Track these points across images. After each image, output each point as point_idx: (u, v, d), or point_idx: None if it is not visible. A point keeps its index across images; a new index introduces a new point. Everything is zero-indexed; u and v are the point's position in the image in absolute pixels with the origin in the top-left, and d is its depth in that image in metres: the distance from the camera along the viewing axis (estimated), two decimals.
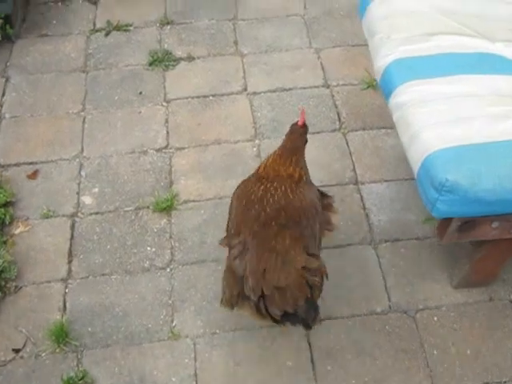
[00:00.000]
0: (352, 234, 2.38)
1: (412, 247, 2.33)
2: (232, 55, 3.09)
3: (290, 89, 2.91)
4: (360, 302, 2.22)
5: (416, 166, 1.69)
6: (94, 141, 2.76)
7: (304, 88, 2.88)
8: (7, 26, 3.08)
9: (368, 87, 2.90)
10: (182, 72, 3.02)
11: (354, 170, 2.59)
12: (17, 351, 2.15)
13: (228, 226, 1.99)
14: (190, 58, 3.08)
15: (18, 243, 2.42)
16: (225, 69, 3.02)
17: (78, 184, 2.61)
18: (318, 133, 2.71)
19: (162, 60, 3.06)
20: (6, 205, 2.50)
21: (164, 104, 2.89)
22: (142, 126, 2.80)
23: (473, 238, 1.86)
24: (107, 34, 3.21)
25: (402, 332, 2.15)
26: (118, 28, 3.23)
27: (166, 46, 3.15)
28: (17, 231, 2.47)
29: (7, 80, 2.99)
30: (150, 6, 3.35)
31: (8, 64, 3.07)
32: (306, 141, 2.01)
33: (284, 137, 2.02)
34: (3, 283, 2.29)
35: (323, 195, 2.08)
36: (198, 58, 3.08)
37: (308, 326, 1.86)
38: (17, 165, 2.66)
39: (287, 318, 1.79)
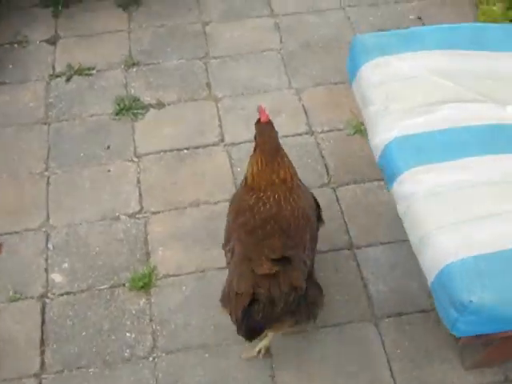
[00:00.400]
0: (350, 309, 2.19)
1: (417, 322, 2.15)
2: (205, 100, 2.85)
3: None
4: None
5: (430, 276, 1.49)
6: (60, 206, 2.51)
7: (286, 136, 2.64)
8: None
9: (355, 132, 2.69)
10: (152, 121, 2.78)
11: (347, 231, 2.39)
12: None
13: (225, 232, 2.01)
14: (160, 105, 2.83)
15: None
16: (198, 116, 2.79)
17: (46, 259, 2.37)
18: None
19: (129, 108, 2.81)
20: None
21: (134, 159, 2.65)
22: (112, 187, 2.56)
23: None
24: (68, 80, 2.94)
25: None
26: (79, 72, 2.96)
27: (132, 91, 2.89)
28: None
29: None
30: (112, 44, 3.09)
31: None
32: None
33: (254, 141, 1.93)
34: None
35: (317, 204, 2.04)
36: (169, 104, 2.84)
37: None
38: None
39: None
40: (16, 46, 3.09)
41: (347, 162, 2.61)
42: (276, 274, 1.69)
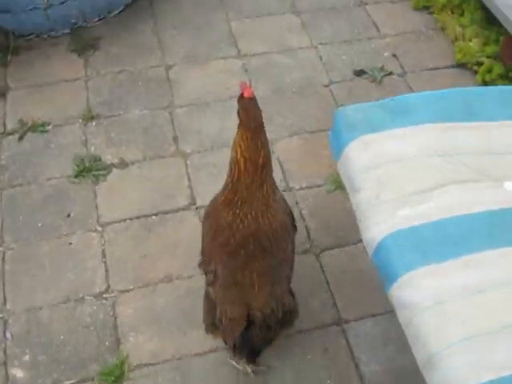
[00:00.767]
0: None
1: None
2: (173, 156, 2.64)
3: None
4: None
5: None
6: (18, 287, 2.27)
7: None
8: None
9: (336, 188, 2.51)
10: (116, 184, 2.55)
11: (334, 304, 2.21)
12: None
13: (202, 249, 1.98)
14: (123, 164, 2.61)
15: None
16: (166, 176, 2.57)
17: (5, 350, 2.12)
18: None
19: (89, 169, 2.58)
20: None
21: (98, 229, 2.42)
22: (74, 263, 2.32)
23: None
24: (21, 138, 2.69)
25: None
26: (33, 129, 2.72)
27: (92, 148, 2.66)
28: None
29: None
30: (68, 95, 2.86)
31: None
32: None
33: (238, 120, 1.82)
34: None
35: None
36: (133, 163, 2.62)
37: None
38: None
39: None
40: None
41: (329, 223, 2.44)
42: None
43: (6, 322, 2.19)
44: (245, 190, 1.76)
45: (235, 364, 2.05)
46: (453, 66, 3.02)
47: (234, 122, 2.74)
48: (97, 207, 2.48)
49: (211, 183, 2.51)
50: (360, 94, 2.88)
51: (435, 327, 1.37)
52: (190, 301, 2.21)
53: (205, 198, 2.48)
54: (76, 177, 2.56)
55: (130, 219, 2.44)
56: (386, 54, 3.07)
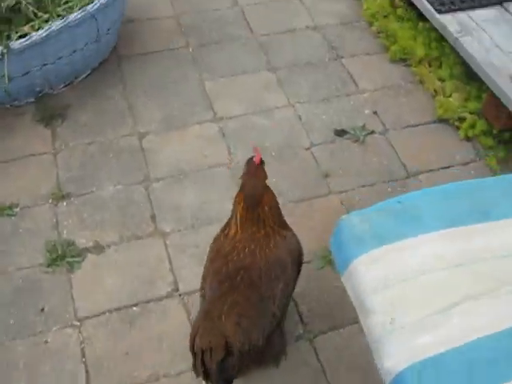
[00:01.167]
0: None
1: None
2: (151, 237, 2.49)
3: None
4: None
5: None
6: None
7: None
8: None
9: (324, 265, 2.39)
10: (92, 271, 2.39)
11: None
12: None
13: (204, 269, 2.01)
14: (99, 248, 2.45)
15: None
16: (145, 260, 2.42)
17: None
18: None
19: (63, 256, 2.41)
20: None
21: (75, 324, 2.25)
22: (51, 365, 2.14)
23: None
24: None
25: None
26: None
27: (65, 232, 2.49)
28: None
29: None
30: (36, 172, 2.69)
31: None
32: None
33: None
34: None
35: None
36: (109, 246, 2.46)
37: None
38: None
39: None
40: None
41: (321, 304, 2.31)
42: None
43: None
44: (245, 229, 1.88)
45: None
46: (434, 122, 2.95)
47: (215, 194, 2.65)
48: (73, 299, 2.31)
49: (194, 266, 2.38)
50: (343, 157, 2.77)
51: None
52: None
53: (189, 283, 2.36)
54: (49, 266, 2.39)
55: (109, 311, 2.27)
56: (366, 112, 2.98)
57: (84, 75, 3.05)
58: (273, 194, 1.99)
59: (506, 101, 2.56)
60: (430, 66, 3.07)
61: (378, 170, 2.73)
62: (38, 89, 2.91)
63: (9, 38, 2.66)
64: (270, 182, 2.65)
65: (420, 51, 3.07)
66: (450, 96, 2.91)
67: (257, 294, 1.81)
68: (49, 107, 2.94)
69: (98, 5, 2.72)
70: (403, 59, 3.19)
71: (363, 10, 3.46)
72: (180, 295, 2.32)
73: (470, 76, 2.89)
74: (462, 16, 2.91)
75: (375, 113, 2.97)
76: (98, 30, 2.82)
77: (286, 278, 1.89)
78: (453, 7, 2.94)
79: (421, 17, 3.13)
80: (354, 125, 2.91)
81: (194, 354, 1.75)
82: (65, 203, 2.59)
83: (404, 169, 2.75)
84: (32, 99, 2.94)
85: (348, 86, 3.11)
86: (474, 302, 1.47)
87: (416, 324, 1.44)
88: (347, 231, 1.62)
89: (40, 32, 2.62)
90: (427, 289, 1.50)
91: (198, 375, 1.78)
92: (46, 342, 2.21)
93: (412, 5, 3.16)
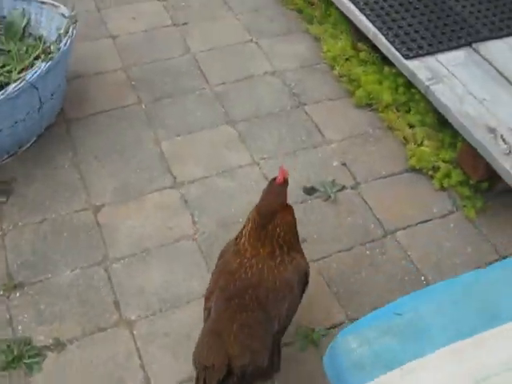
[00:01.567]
0: None
1: None
2: (116, 327, 2.26)
3: None
4: None
5: None
6: None
7: None
8: None
9: (307, 345, 2.22)
10: (53, 373, 2.14)
11: None
12: None
13: (209, 284, 1.98)
14: (60, 345, 2.21)
15: None
16: (112, 355, 2.19)
17: None
18: None
19: (19, 357, 2.16)
20: None
21: None
22: None
23: None
24: None
25: None
26: None
27: (20, 328, 2.25)
28: None
29: None
30: None
31: None
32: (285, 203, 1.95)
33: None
34: None
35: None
36: (70, 341, 2.22)
37: None
38: None
39: None
40: None
41: None
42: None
43: None
44: (253, 246, 1.87)
45: None
46: (406, 171, 2.81)
47: (182, 271, 2.44)
48: None
49: (167, 358, 2.18)
50: (316, 219, 2.61)
51: None
52: None
53: (161, 379, 2.15)
54: (4, 369, 2.15)
55: None
56: (334, 164, 2.82)
57: (29, 143, 2.80)
58: (291, 214, 1.96)
59: (483, 152, 2.44)
60: (398, 110, 2.93)
61: (354, 230, 2.58)
62: None
63: None
64: None
65: (387, 96, 2.92)
66: (421, 144, 2.78)
67: (264, 314, 1.82)
68: None
69: (39, 72, 2.48)
70: (369, 104, 3.04)
71: (323, 53, 3.31)
72: None
73: (441, 122, 2.76)
74: (430, 61, 2.77)
75: (344, 164, 2.82)
76: (40, 99, 2.58)
77: (292, 300, 1.91)
78: (421, 52, 2.79)
79: (385, 60, 2.98)
80: (323, 180, 2.74)
81: (197, 369, 1.76)
82: (18, 294, 2.35)
83: (380, 226, 2.60)
84: None
85: (314, 136, 2.95)
86: None
87: None
88: (346, 357, 1.45)
89: None
90: None
91: None
92: None
93: (376, 48, 3.01)
